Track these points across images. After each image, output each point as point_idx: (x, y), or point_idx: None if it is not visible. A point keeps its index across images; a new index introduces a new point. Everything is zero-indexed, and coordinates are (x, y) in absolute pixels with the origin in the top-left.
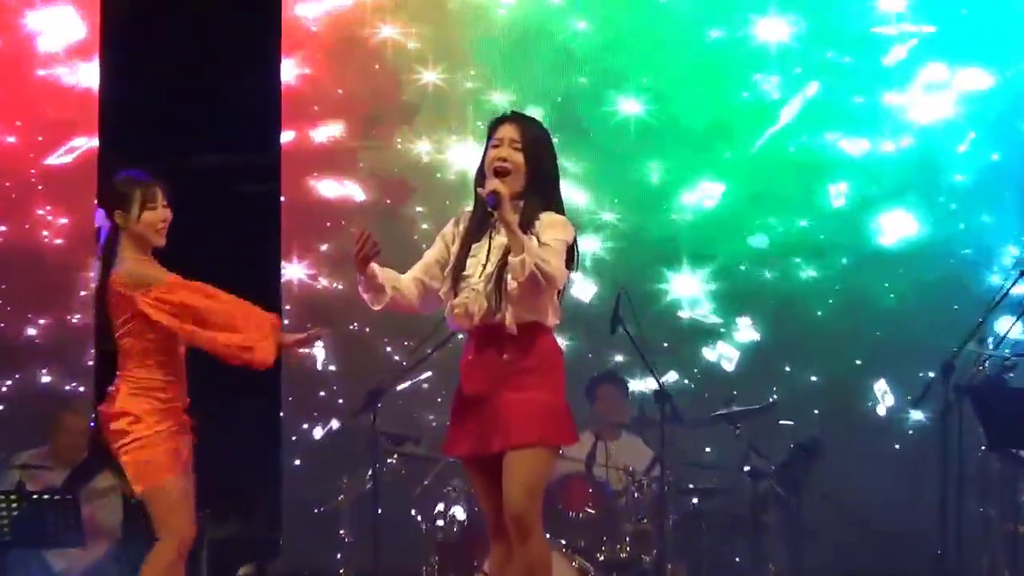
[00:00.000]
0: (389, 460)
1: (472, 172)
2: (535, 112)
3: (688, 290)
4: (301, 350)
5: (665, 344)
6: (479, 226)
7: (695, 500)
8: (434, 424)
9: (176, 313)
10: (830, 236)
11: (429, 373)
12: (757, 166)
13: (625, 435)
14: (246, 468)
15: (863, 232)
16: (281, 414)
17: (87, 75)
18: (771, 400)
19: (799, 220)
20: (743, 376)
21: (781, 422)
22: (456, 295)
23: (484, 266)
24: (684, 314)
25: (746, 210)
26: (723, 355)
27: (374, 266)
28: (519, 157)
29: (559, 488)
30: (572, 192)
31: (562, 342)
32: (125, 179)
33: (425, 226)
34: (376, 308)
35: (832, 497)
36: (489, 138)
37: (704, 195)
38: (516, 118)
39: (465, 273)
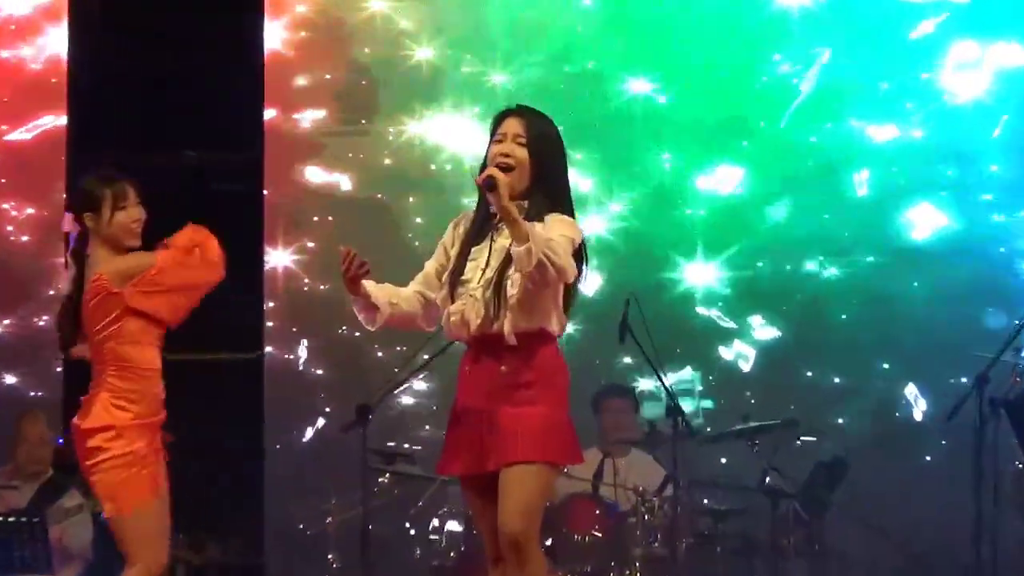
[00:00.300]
0: (380, 479)
1: (469, 160)
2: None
3: (702, 279)
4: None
5: (678, 350)
6: (480, 228)
7: (710, 522)
8: (429, 440)
9: (172, 289)
10: (854, 231)
11: (425, 385)
12: (776, 155)
13: (635, 452)
14: (225, 487)
15: (890, 227)
16: (264, 427)
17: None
18: (788, 417)
19: (822, 213)
20: (760, 380)
21: (802, 438)
22: (453, 302)
23: (484, 271)
24: (699, 309)
25: (763, 202)
26: (740, 354)
27: (367, 284)
28: (523, 153)
29: (564, 509)
30: (579, 180)
31: (564, 343)
32: (93, 179)
33: (419, 220)
34: (373, 329)
35: (857, 517)
36: (492, 133)
37: (721, 182)
38: (521, 112)
39: (464, 278)
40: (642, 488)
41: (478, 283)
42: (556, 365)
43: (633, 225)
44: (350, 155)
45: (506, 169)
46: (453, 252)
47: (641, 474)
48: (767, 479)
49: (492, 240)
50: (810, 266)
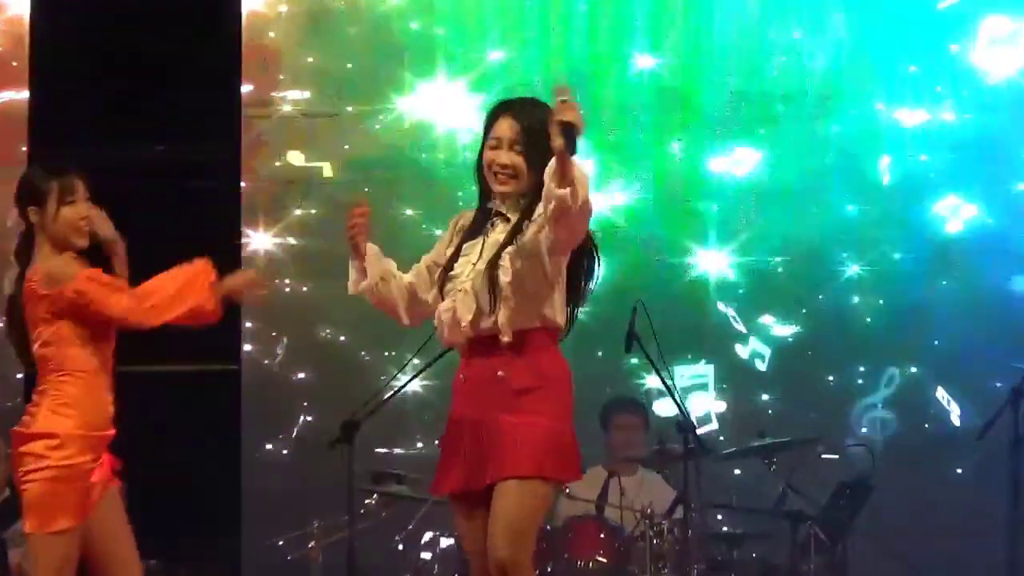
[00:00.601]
0: (368, 501)
1: (463, 143)
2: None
3: (716, 269)
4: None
5: (689, 355)
6: (478, 225)
7: (724, 547)
8: (420, 458)
9: (119, 287)
10: (880, 225)
11: (417, 393)
12: (794, 141)
13: (642, 471)
14: (199, 508)
15: (917, 219)
16: (241, 444)
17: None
18: (809, 435)
19: (845, 205)
20: (777, 383)
21: (824, 456)
22: (443, 299)
23: (475, 264)
24: (712, 304)
25: (781, 193)
26: (756, 352)
27: (371, 251)
28: (520, 160)
29: (566, 533)
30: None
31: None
32: (39, 170)
33: (408, 212)
34: (351, 292)
35: (884, 541)
36: (486, 133)
37: (738, 163)
38: (512, 111)
39: (453, 273)
40: (650, 510)
41: (467, 276)
42: (558, 370)
43: (641, 212)
44: (334, 142)
45: (505, 183)
46: (448, 250)
47: (649, 495)
48: (785, 500)
49: (486, 236)
50: (832, 263)
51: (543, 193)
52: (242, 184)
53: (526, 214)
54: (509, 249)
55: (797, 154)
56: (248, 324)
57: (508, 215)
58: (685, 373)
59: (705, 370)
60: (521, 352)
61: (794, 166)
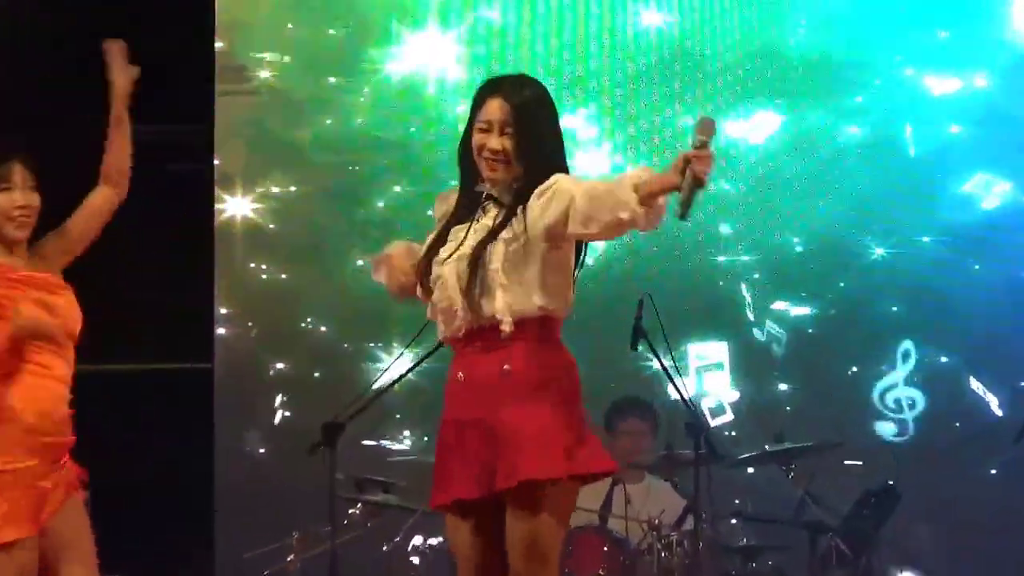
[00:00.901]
0: (351, 511)
1: (453, 100)
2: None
3: (729, 249)
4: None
5: (700, 362)
6: (464, 209)
7: (738, 560)
8: (408, 463)
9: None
10: (906, 206)
11: (407, 382)
12: (812, 109)
13: (649, 478)
14: (169, 518)
15: (948, 200)
16: (214, 447)
17: None
18: (830, 439)
19: (870, 183)
20: (795, 372)
21: (846, 462)
22: (429, 290)
23: (458, 248)
24: (725, 284)
25: (797, 170)
26: (772, 334)
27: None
28: (511, 144)
29: (566, 546)
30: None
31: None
32: None
33: (397, 188)
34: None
35: (911, 553)
36: (474, 111)
37: (753, 129)
38: (502, 91)
39: (438, 258)
40: (658, 520)
41: (454, 261)
42: (565, 359)
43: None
44: (315, 114)
45: (494, 169)
46: (430, 234)
47: (657, 504)
48: (805, 509)
49: (476, 220)
50: (854, 245)
51: (615, 195)
52: (216, 162)
53: (520, 198)
54: (504, 234)
55: (817, 125)
56: (223, 310)
57: (501, 199)
58: (699, 351)
59: (719, 349)
60: (525, 343)
61: (813, 138)
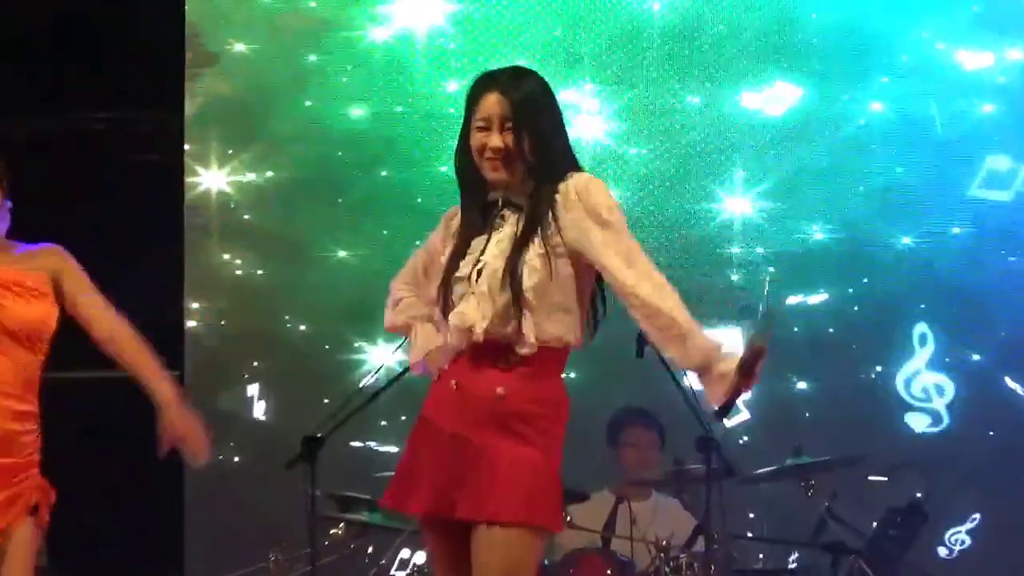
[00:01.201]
0: (333, 531)
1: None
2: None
3: (744, 239)
4: None
5: (715, 319)
6: (477, 219)
7: None
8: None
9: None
10: (934, 193)
11: (398, 387)
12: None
13: (656, 495)
14: (134, 543)
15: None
16: (184, 466)
17: None
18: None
19: (895, 167)
20: (813, 375)
21: (870, 478)
22: (449, 308)
23: (479, 261)
24: (738, 278)
25: (817, 151)
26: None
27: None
28: (513, 140)
29: (567, 568)
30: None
31: None
32: None
33: (384, 172)
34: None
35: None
36: (470, 110)
37: (770, 101)
38: (499, 86)
39: (459, 275)
40: (666, 541)
41: (479, 276)
42: (559, 397)
43: (660, 164)
44: (294, 106)
45: (496, 168)
46: (446, 252)
47: (665, 523)
48: (825, 530)
49: (495, 230)
50: (879, 235)
51: (674, 327)
52: (186, 147)
53: (542, 204)
54: (535, 249)
55: (839, 102)
56: (194, 305)
57: (517, 203)
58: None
59: (733, 334)
60: (526, 369)
61: (834, 116)
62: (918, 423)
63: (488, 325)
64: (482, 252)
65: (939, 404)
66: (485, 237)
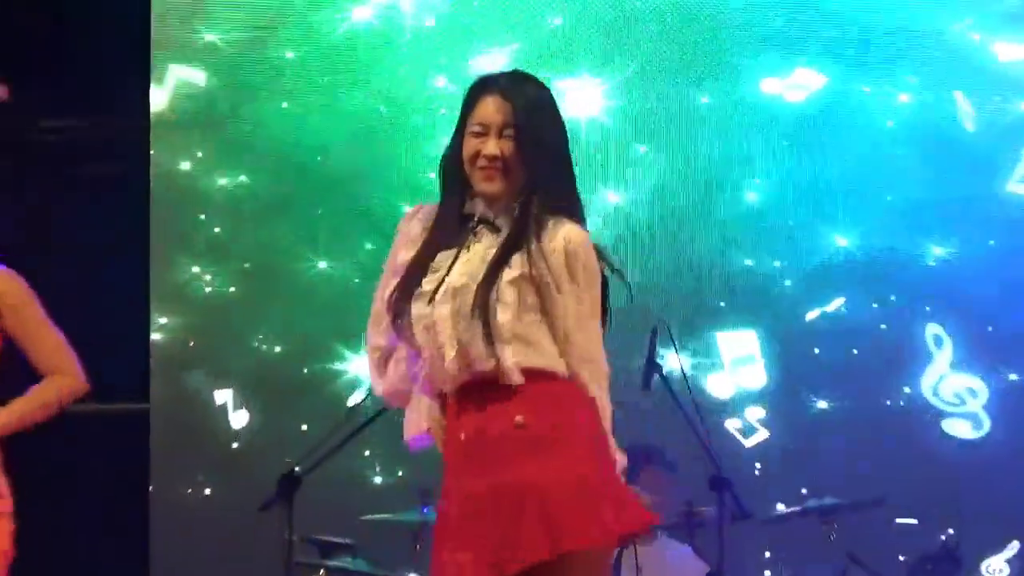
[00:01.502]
0: None
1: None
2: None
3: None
4: None
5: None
6: (451, 230)
7: None
8: (379, 520)
9: None
10: (968, 194)
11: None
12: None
13: (664, 539)
14: None
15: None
16: (149, 501)
17: None
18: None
19: (921, 169)
20: (837, 389)
21: (898, 521)
22: (405, 331)
23: (443, 279)
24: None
25: (835, 152)
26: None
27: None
28: (512, 148)
29: None
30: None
31: None
32: None
33: (363, 179)
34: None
35: None
36: (466, 116)
37: (790, 88)
38: (500, 89)
39: (421, 290)
40: None
41: (445, 295)
42: (584, 399)
43: (662, 164)
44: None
45: (491, 179)
46: (407, 255)
47: (674, 570)
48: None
49: (466, 247)
50: (906, 245)
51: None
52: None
53: (522, 222)
54: (511, 272)
55: (859, 98)
56: (162, 320)
57: (496, 223)
58: (729, 341)
59: (748, 338)
60: (536, 387)
61: (854, 114)
62: (959, 429)
63: (461, 361)
64: (448, 271)
65: (975, 406)
66: (453, 253)
